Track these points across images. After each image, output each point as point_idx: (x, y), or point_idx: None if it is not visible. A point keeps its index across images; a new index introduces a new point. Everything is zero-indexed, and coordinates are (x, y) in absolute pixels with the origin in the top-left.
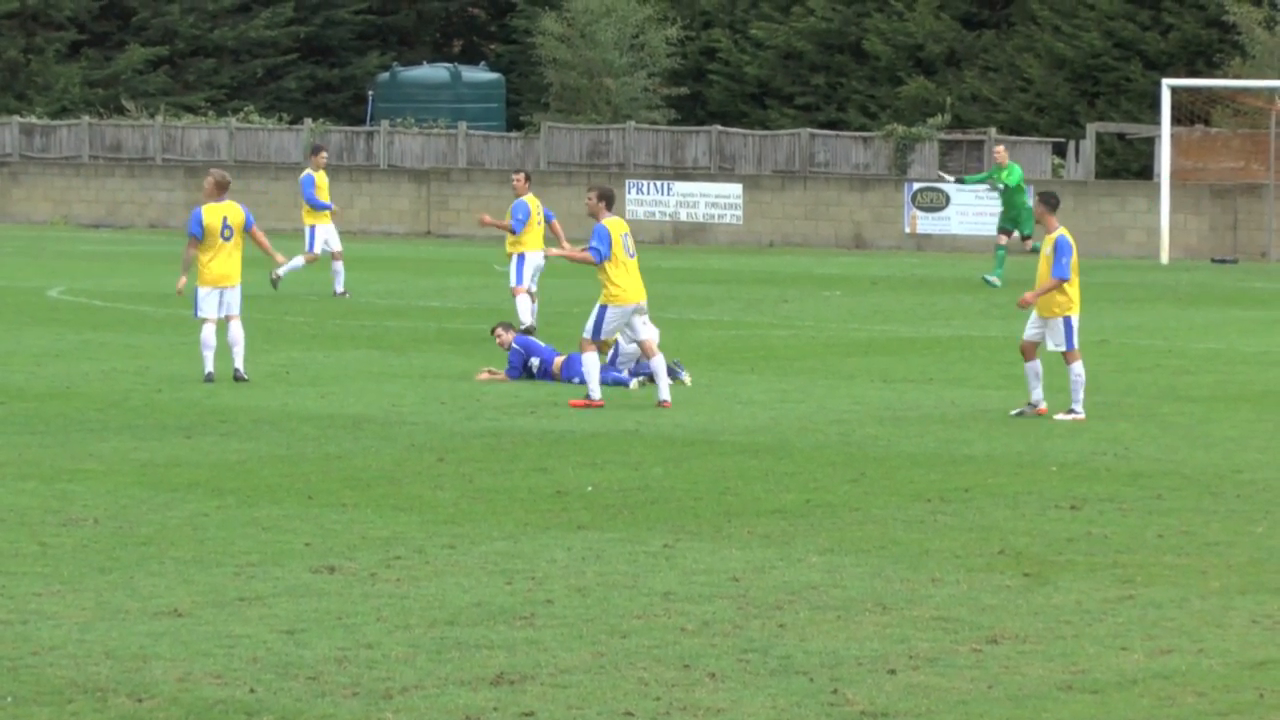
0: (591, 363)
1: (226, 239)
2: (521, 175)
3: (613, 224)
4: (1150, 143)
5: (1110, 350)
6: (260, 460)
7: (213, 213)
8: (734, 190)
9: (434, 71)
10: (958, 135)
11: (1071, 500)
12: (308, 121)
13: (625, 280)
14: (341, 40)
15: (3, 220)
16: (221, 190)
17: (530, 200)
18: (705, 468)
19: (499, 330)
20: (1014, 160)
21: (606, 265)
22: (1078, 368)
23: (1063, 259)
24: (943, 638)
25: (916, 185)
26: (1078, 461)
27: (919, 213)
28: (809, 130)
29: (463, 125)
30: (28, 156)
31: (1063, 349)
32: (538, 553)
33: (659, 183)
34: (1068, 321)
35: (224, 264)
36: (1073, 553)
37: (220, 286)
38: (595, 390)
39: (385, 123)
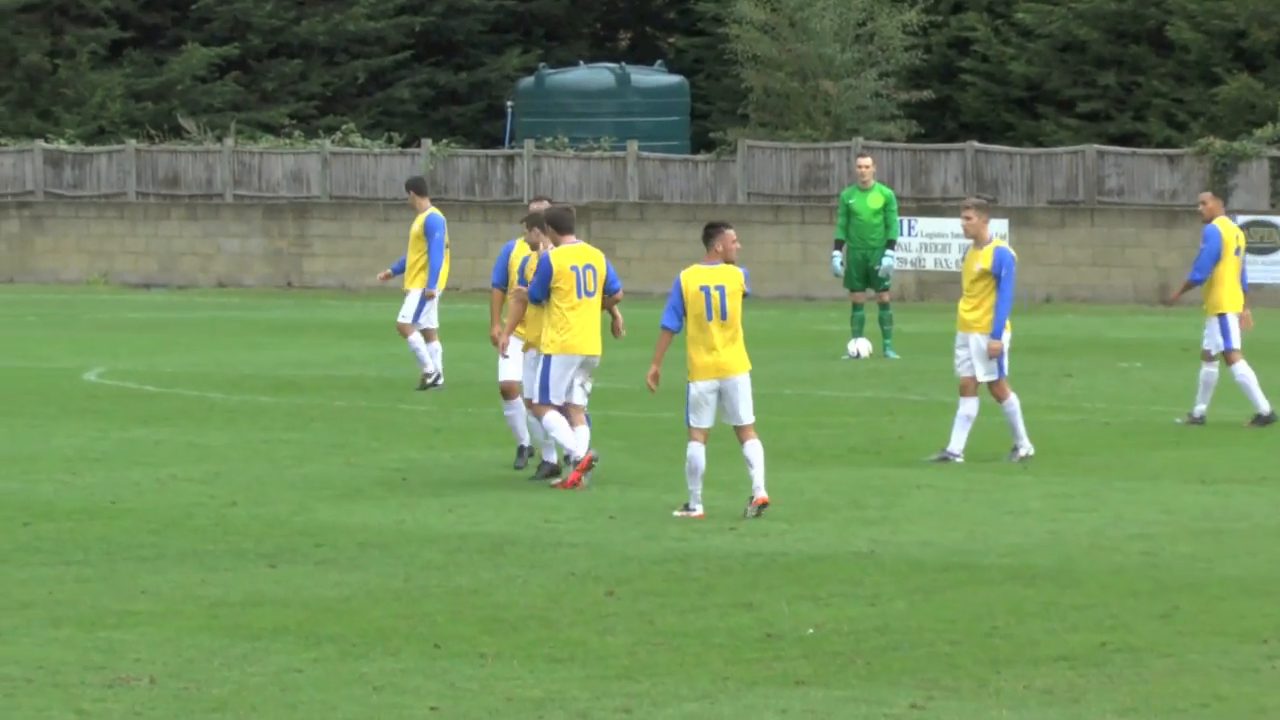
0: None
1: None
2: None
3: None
4: None
5: None
6: (369, 597)
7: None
8: (997, 228)
9: (594, 74)
10: None
11: None
12: (426, 143)
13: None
14: (470, 35)
15: (23, 278)
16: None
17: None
18: (964, 601)
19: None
20: None
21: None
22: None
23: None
24: None
25: (1240, 218)
26: None
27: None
28: (1096, 147)
29: (633, 145)
30: (55, 194)
31: None
32: (741, 716)
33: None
34: None
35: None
36: None
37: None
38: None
39: (530, 143)
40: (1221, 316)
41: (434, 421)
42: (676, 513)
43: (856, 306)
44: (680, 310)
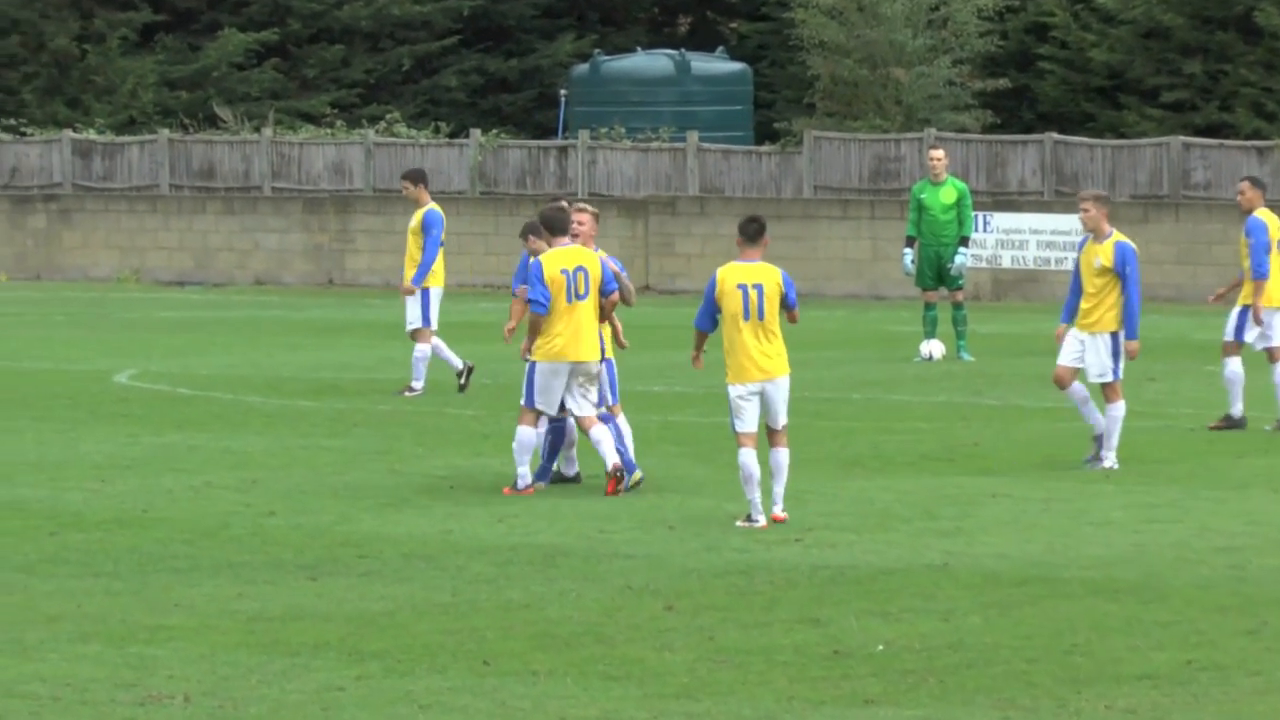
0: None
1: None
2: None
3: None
4: None
5: None
6: (415, 611)
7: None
8: (1077, 223)
9: (652, 61)
10: None
11: None
12: (475, 133)
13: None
14: (521, 19)
15: (51, 275)
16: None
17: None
18: (1043, 616)
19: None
20: None
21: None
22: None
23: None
24: None
25: None
26: None
27: None
28: (1181, 138)
29: (693, 136)
30: (84, 186)
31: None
32: None
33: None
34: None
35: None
36: None
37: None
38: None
39: (584, 133)
40: (1245, 309)
41: (482, 427)
42: (739, 523)
43: (929, 306)
44: (713, 309)
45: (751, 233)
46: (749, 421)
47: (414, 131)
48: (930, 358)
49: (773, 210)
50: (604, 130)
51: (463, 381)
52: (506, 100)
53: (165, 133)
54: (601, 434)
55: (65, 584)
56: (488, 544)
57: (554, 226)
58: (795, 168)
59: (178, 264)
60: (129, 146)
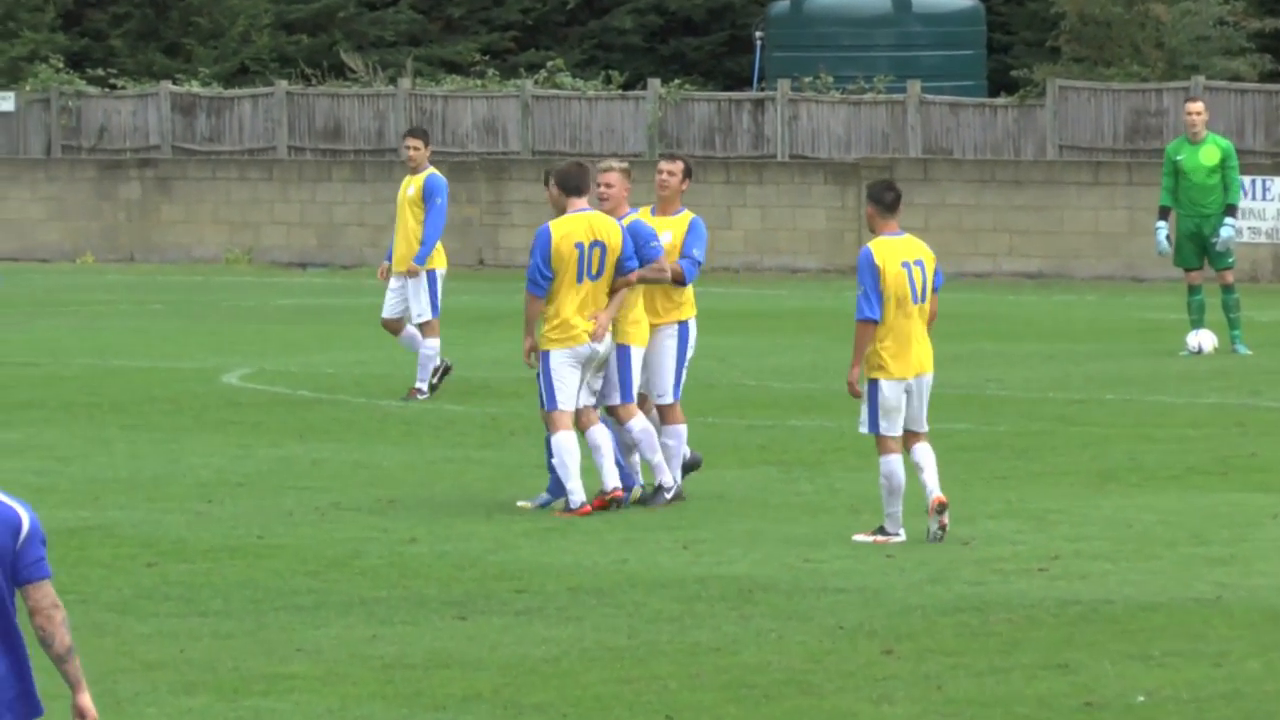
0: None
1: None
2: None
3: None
4: None
5: None
6: (585, 655)
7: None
8: None
9: None
10: None
11: None
12: (653, 84)
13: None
14: None
15: (147, 255)
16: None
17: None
18: None
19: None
20: None
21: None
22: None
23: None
24: None
25: None
26: None
27: None
28: None
29: (914, 86)
30: (186, 150)
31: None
32: None
33: (1248, 179)
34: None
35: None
36: None
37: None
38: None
39: (784, 83)
40: None
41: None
42: (860, 537)
43: (1194, 289)
44: (881, 294)
45: (890, 202)
46: (898, 423)
47: (580, 82)
48: (1199, 351)
49: (1010, 174)
50: (808, 80)
51: (434, 381)
52: (691, 44)
53: (283, 85)
54: (601, 438)
55: (166, 624)
56: (671, 576)
57: (569, 186)
58: (1037, 123)
59: (298, 242)
60: (239, 101)
